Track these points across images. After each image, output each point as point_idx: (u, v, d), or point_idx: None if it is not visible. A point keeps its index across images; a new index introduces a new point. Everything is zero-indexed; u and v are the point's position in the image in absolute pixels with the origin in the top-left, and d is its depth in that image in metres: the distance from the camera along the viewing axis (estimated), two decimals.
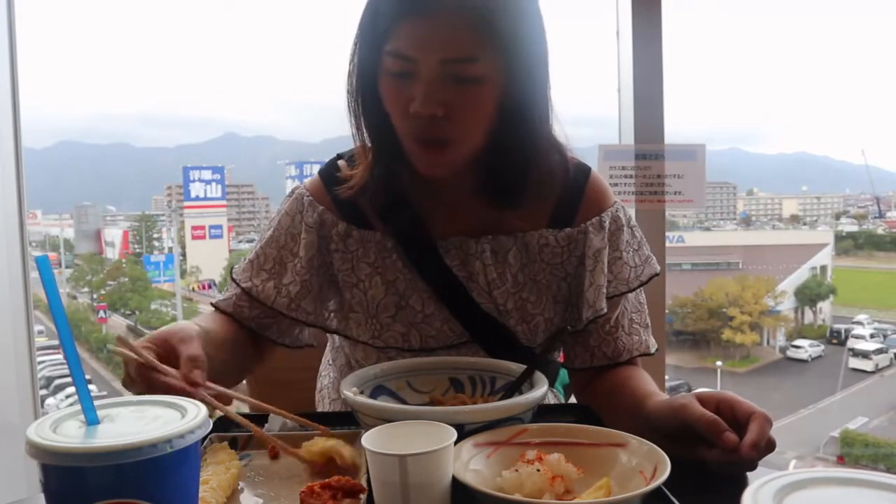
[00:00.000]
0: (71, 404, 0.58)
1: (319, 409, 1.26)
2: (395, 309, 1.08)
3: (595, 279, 1.07)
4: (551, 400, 1.21)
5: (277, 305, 1.09)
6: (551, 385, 1.20)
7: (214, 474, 0.72)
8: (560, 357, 1.20)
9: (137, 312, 21.27)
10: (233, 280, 1.14)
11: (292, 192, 1.16)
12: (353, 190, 1.08)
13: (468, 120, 0.98)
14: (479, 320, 1.07)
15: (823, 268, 21.02)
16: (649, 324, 1.16)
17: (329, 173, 1.14)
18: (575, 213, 1.11)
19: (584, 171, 1.14)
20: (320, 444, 0.77)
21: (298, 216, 1.12)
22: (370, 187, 1.08)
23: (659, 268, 1.16)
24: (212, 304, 1.16)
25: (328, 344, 1.29)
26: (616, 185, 2.09)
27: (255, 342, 1.15)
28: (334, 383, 1.23)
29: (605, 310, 1.08)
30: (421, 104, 0.94)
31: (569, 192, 1.11)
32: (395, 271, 1.08)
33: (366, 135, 1.06)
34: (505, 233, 1.08)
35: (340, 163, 1.14)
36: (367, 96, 1.03)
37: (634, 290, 1.12)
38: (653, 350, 1.14)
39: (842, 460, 13.56)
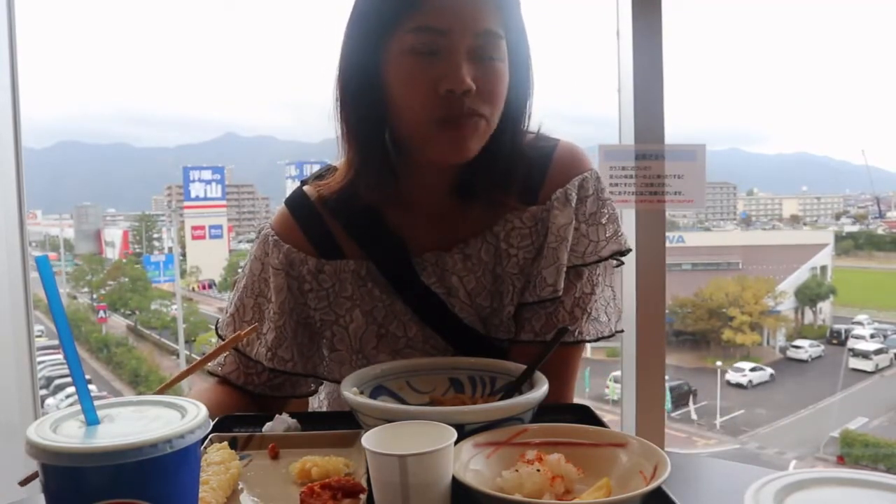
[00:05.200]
0: (71, 404, 0.58)
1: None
2: (376, 339, 1.04)
3: (558, 257, 1.00)
4: None
5: (258, 356, 1.05)
6: None
7: (214, 474, 0.72)
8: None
9: (137, 312, 21.29)
10: (219, 337, 1.09)
11: (259, 231, 1.11)
12: (332, 193, 1.04)
13: (496, 96, 0.94)
14: (461, 334, 1.03)
15: (823, 268, 21.02)
16: (598, 316, 1.04)
17: (295, 202, 1.10)
18: (540, 189, 1.03)
19: (552, 144, 1.06)
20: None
21: (266, 258, 1.07)
22: (345, 198, 1.03)
23: (629, 246, 1.05)
24: (210, 372, 1.09)
25: None
26: (616, 185, 2.08)
27: (259, 406, 1.10)
28: (327, 399, 1.21)
29: (561, 291, 1.00)
30: (459, 79, 0.89)
31: (532, 169, 1.04)
32: (373, 300, 1.04)
33: (350, 139, 1.01)
34: (474, 234, 1.04)
35: (307, 188, 1.11)
36: (361, 90, 0.97)
37: (590, 265, 1.03)
38: (587, 338, 1.02)
39: (842, 460, 13.55)
